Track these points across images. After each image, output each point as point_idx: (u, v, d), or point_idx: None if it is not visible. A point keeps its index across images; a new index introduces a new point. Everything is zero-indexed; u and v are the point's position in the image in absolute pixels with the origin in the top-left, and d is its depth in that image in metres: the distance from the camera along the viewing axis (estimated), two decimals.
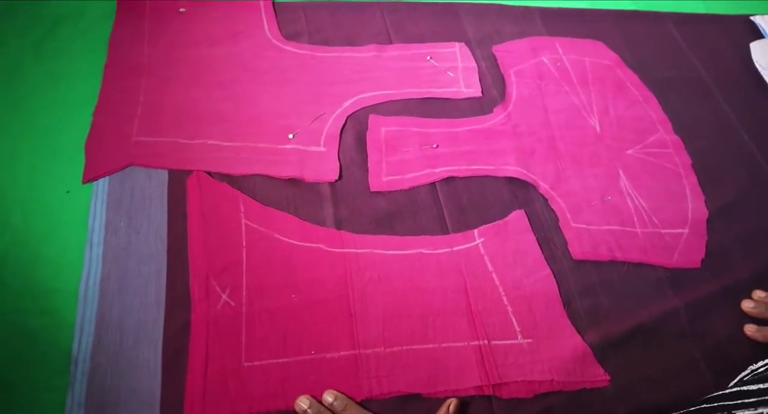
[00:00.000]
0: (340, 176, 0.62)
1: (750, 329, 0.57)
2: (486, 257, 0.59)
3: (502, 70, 0.75)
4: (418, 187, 0.63)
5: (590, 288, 0.58)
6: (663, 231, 0.63)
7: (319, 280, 0.55)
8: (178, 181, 0.59)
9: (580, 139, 0.69)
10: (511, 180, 0.65)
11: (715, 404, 0.47)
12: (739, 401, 0.45)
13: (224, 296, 0.53)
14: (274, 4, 0.77)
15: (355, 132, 0.66)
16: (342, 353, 0.52)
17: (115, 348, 0.50)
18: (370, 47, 0.74)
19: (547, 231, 0.62)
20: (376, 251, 0.58)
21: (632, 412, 0.52)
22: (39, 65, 0.67)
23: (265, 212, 0.59)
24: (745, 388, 0.46)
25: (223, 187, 0.59)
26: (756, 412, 0.43)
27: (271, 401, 0.49)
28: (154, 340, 0.51)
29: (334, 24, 0.76)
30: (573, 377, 0.52)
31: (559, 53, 0.78)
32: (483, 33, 0.79)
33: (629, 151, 0.69)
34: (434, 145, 0.66)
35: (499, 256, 0.59)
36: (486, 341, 0.53)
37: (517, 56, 0.76)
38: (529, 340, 0.54)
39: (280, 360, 0.51)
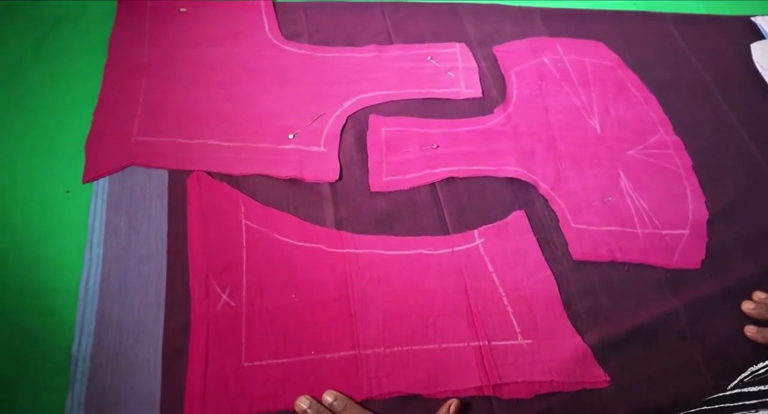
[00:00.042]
0: (341, 176, 0.62)
1: (750, 330, 0.57)
2: (486, 258, 0.59)
3: (502, 71, 0.75)
4: (418, 187, 0.63)
5: (590, 289, 0.58)
6: (663, 232, 0.63)
7: (319, 280, 0.55)
8: (178, 181, 0.59)
9: (580, 140, 0.69)
10: (511, 180, 0.65)
11: (716, 406, 0.47)
12: (740, 403, 0.45)
13: (224, 296, 0.53)
14: (274, 4, 0.77)
15: (355, 132, 0.66)
16: (342, 353, 0.52)
17: (115, 348, 0.50)
18: (370, 47, 0.74)
19: (547, 231, 0.62)
20: (376, 251, 0.58)
21: (632, 413, 0.52)
22: (39, 65, 0.67)
23: (266, 212, 0.59)
24: (745, 390, 0.46)
25: (223, 187, 0.59)
26: None
27: (271, 401, 0.49)
28: (154, 340, 0.51)
29: (335, 24, 0.76)
30: (573, 378, 0.52)
31: (559, 54, 0.78)
32: (483, 33, 0.79)
33: (630, 152, 0.69)
34: (435, 146, 0.66)
35: (500, 256, 0.59)
36: (486, 342, 0.53)
37: (518, 57, 0.76)
38: (530, 341, 0.54)
39: (280, 360, 0.51)
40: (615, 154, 0.69)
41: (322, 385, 0.50)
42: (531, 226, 0.61)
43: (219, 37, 0.72)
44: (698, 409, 0.48)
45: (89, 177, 0.59)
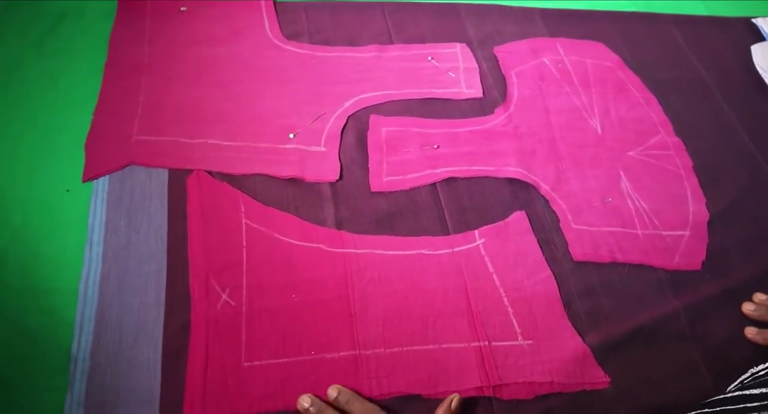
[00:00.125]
0: (341, 176, 0.62)
1: (750, 332, 0.57)
2: (486, 258, 0.59)
3: (503, 71, 0.75)
4: (418, 187, 0.63)
5: (591, 289, 0.58)
6: (664, 233, 0.63)
7: (319, 280, 0.55)
8: (178, 181, 0.59)
9: (581, 141, 0.69)
10: (511, 181, 0.65)
11: (717, 409, 0.47)
12: (741, 405, 0.45)
13: (224, 296, 0.53)
14: (275, 3, 0.77)
15: (355, 132, 0.66)
16: (342, 354, 0.51)
17: (114, 347, 0.50)
18: (371, 47, 0.74)
19: (547, 232, 0.62)
20: (376, 251, 0.57)
21: None
22: (39, 64, 0.67)
23: (266, 212, 0.58)
24: (747, 392, 0.46)
25: (223, 186, 0.59)
26: None
27: (270, 401, 0.48)
28: (154, 339, 0.51)
29: (335, 24, 0.76)
30: (573, 379, 0.52)
31: (560, 54, 0.78)
32: (484, 33, 0.79)
33: (630, 153, 0.69)
34: (435, 146, 0.66)
35: (500, 257, 0.59)
36: (486, 342, 0.53)
37: (518, 57, 0.76)
38: (530, 342, 0.54)
39: (280, 360, 0.51)
40: (615, 154, 0.69)
41: (322, 385, 0.50)
42: (531, 226, 0.61)
43: (219, 36, 0.72)
44: (699, 411, 0.48)
45: (89, 176, 0.59)
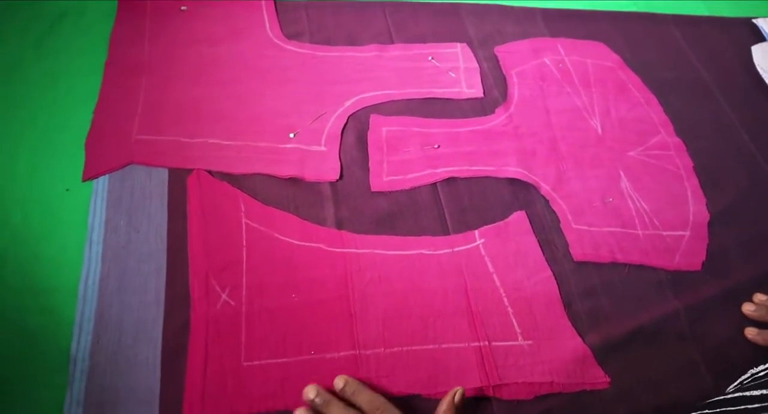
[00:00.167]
0: (341, 176, 0.62)
1: (751, 332, 0.57)
2: (487, 258, 0.58)
3: (503, 71, 0.75)
4: (419, 187, 0.63)
5: (591, 290, 0.58)
6: (664, 233, 0.63)
7: (319, 280, 0.55)
8: (178, 180, 0.59)
9: (581, 141, 0.69)
10: (512, 181, 0.65)
11: (717, 410, 0.47)
12: (742, 407, 0.45)
13: (224, 295, 0.53)
14: (275, 3, 0.77)
15: (356, 132, 0.66)
16: (342, 353, 0.51)
17: (114, 347, 0.50)
18: (371, 47, 0.74)
19: (548, 232, 0.61)
20: (376, 251, 0.57)
21: None
22: (39, 63, 0.67)
23: (266, 211, 0.58)
24: (748, 393, 0.46)
25: (223, 186, 0.59)
26: None
27: (270, 401, 0.48)
28: (154, 339, 0.50)
29: (336, 23, 0.76)
30: (573, 379, 0.52)
31: (560, 54, 0.77)
32: (485, 33, 0.79)
33: (631, 153, 0.69)
34: (435, 146, 0.66)
35: (500, 257, 0.59)
36: (486, 342, 0.53)
37: (519, 57, 0.76)
38: (530, 342, 0.54)
39: (280, 360, 0.50)
40: (616, 155, 0.69)
41: (322, 385, 0.49)
42: (532, 226, 0.61)
43: (220, 35, 0.72)
44: (699, 412, 0.47)
45: (89, 175, 0.58)
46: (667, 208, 0.65)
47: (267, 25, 0.74)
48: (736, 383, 0.54)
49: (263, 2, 0.76)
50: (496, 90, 0.73)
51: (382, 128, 0.67)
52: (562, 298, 0.57)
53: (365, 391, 0.48)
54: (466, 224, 0.61)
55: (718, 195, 0.67)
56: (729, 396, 0.48)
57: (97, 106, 0.63)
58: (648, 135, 0.71)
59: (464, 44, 0.77)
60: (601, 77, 0.76)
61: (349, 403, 0.47)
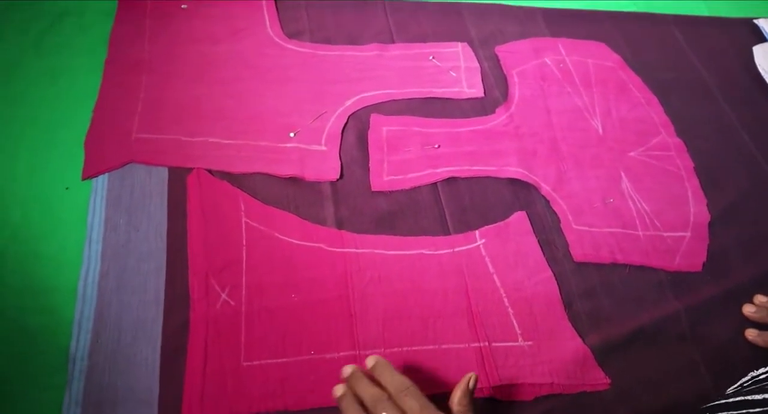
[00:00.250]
0: (342, 175, 0.62)
1: (751, 334, 0.57)
2: (487, 258, 0.58)
3: (504, 71, 0.75)
4: (419, 187, 0.63)
5: (591, 290, 0.58)
6: (665, 234, 0.63)
7: (319, 279, 0.55)
8: (178, 179, 0.59)
9: (582, 141, 0.69)
10: (512, 181, 0.64)
11: None
12: (744, 411, 0.45)
13: (224, 295, 0.53)
14: (276, 2, 0.76)
15: (356, 131, 0.66)
16: (342, 354, 0.51)
17: (113, 346, 0.50)
18: (372, 46, 0.74)
19: (548, 233, 0.61)
20: (376, 251, 0.57)
21: None
22: (39, 61, 0.67)
23: (266, 211, 0.58)
24: (749, 397, 0.46)
25: (223, 185, 0.59)
26: None
27: (270, 401, 0.48)
28: (153, 338, 0.50)
29: (336, 23, 0.76)
30: (573, 380, 0.52)
31: (561, 54, 0.77)
32: (486, 33, 0.78)
33: (631, 154, 0.69)
34: (436, 145, 0.66)
35: (501, 257, 0.59)
36: (486, 343, 0.53)
37: (520, 57, 0.76)
38: (530, 342, 0.54)
39: (280, 360, 0.50)
40: (617, 155, 0.68)
41: (322, 385, 0.49)
42: (532, 226, 0.61)
43: (220, 34, 0.72)
44: None
45: (89, 174, 0.58)
46: (667, 208, 0.65)
47: (267, 23, 0.74)
48: (736, 385, 0.54)
49: (264, 1, 0.76)
50: (496, 90, 0.73)
51: (382, 128, 0.66)
52: (562, 298, 0.57)
53: (392, 372, 0.46)
54: (466, 224, 0.61)
55: (719, 195, 0.67)
56: (730, 400, 0.48)
57: (97, 105, 0.63)
58: (649, 135, 0.71)
59: (465, 44, 0.76)
60: (601, 77, 0.76)
61: (378, 383, 0.46)
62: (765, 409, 0.44)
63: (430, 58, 0.74)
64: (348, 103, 0.68)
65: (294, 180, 0.61)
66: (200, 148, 0.61)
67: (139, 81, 0.66)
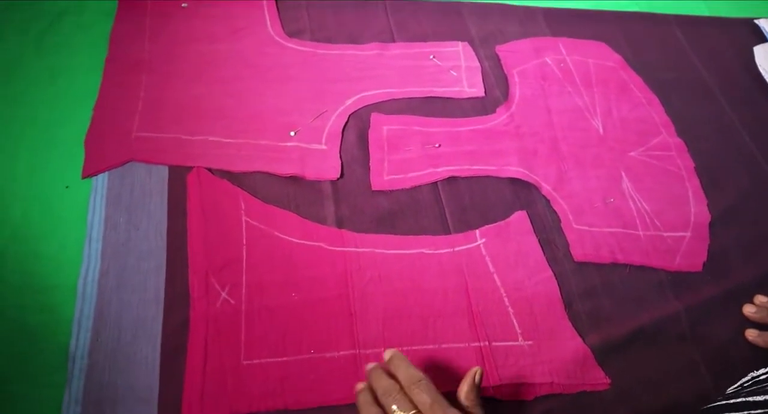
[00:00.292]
0: (342, 174, 0.62)
1: (751, 334, 0.57)
2: (487, 258, 0.58)
3: (505, 70, 0.75)
4: (419, 186, 0.63)
5: (591, 290, 0.58)
6: (665, 234, 0.63)
7: (319, 278, 0.55)
8: (178, 178, 0.59)
9: (582, 141, 0.69)
10: (513, 181, 0.64)
11: None
12: (746, 412, 0.45)
13: (224, 294, 0.53)
14: (276, 1, 0.76)
15: (357, 130, 0.66)
16: (342, 353, 0.51)
17: (113, 344, 0.50)
18: (372, 45, 0.74)
19: (548, 232, 0.61)
20: (377, 250, 0.57)
21: None
22: (40, 60, 0.67)
23: (266, 210, 0.58)
24: (751, 399, 0.46)
25: (223, 184, 0.59)
26: None
27: (269, 400, 0.48)
28: (153, 337, 0.50)
29: (337, 22, 0.76)
30: (573, 380, 0.52)
31: (562, 54, 0.77)
32: (486, 32, 0.78)
33: (632, 154, 0.69)
34: (436, 145, 0.66)
35: (501, 257, 0.59)
36: (487, 342, 0.53)
37: (521, 56, 0.76)
38: (530, 342, 0.54)
39: (280, 359, 0.50)
40: (617, 155, 0.68)
41: (321, 384, 0.49)
42: (533, 226, 0.61)
43: (221, 33, 0.72)
44: None
45: (89, 172, 0.58)
46: (668, 208, 0.65)
47: (268, 22, 0.74)
48: (736, 385, 0.54)
49: (264, 0, 0.76)
50: (497, 89, 0.73)
51: (383, 127, 0.66)
52: (562, 298, 0.57)
53: (407, 366, 0.46)
54: (466, 224, 0.61)
55: (719, 196, 0.67)
56: (731, 401, 0.47)
57: (97, 104, 0.63)
58: (649, 135, 0.71)
59: (466, 43, 0.76)
60: (602, 77, 0.76)
61: (394, 376, 0.46)
62: (767, 410, 0.44)
63: (431, 57, 0.74)
64: (348, 102, 0.68)
65: (294, 179, 0.61)
66: (200, 146, 0.61)
67: (139, 80, 0.66)
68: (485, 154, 0.66)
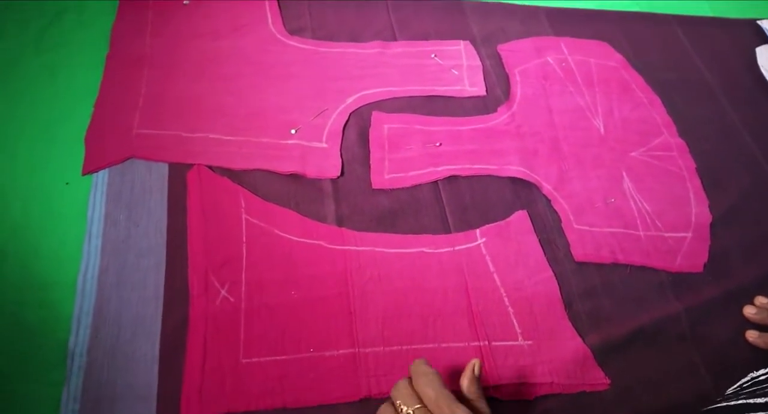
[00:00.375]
0: (342, 173, 0.62)
1: (752, 335, 0.57)
2: (488, 257, 0.58)
3: (506, 70, 0.74)
4: (420, 185, 0.62)
5: (592, 290, 0.58)
6: (666, 234, 0.62)
7: (319, 277, 0.55)
8: (178, 175, 0.59)
9: (584, 141, 0.69)
10: (514, 180, 0.64)
11: None
12: None
13: (223, 291, 0.53)
14: None
15: (357, 128, 0.66)
16: (341, 351, 0.51)
17: (112, 342, 0.50)
18: (374, 44, 0.74)
19: (549, 232, 0.61)
20: (377, 249, 0.57)
21: None
22: (40, 56, 0.66)
23: (266, 208, 0.58)
24: (752, 401, 0.46)
25: (223, 181, 0.59)
26: None
27: (268, 398, 0.48)
28: (152, 334, 0.50)
29: (339, 20, 0.76)
30: (573, 380, 0.52)
31: (564, 53, 0.77)
32: (488, 31, 0.78)
33: (633, 154, 0.69)
34: (437, 144, 0.66)
35: (501, 256, 0.58)
36: (486, 342, 0.53)
37: (522, 56, 0.76)
38: (530, 342, 0.54)
39: (279, 357, 0.50)
40: (618, 155, 0.68)
41: (321, 382, 0.49)
42: (533, 226, 0.61)
43: (222, 30, 0.72)
44: None
45: (89, 169, 0.58)
46: (669, 209, 0.64)
47: (269, 20, 0.74)
48: (735, 386, 0.54)
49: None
50: (498, 88, 0.72)
51: (383, 125, 0.66)
52: (562, 298, 0.57)
53: (419, 363, 0.45)
54: (467, 223, 0.60)
55: (721, 196, 0.67)
56: (732, 403, 0.47)
57: (98, 100, 0.63)
58: (651, 135, 0.71)
59: (467, 42, 0.76)
60: (604, 77, 0.76)
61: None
62: (767, 413, 0.44)
63: (432, 56, 0.74)
64: (349, 100, 0.68)
65: (295, 177, 0.61)
66: (201, 144, 0.61)
67: (140, 76, 0.65)
68: (486, 153, 0.66)
